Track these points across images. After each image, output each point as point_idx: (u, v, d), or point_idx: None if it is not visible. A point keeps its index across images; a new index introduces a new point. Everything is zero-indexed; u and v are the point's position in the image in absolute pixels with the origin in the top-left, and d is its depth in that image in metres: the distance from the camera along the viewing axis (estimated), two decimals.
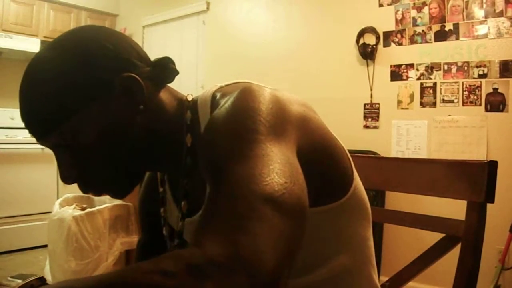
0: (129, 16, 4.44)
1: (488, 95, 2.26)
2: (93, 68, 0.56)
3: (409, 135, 2.53)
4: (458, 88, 2.36)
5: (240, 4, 3.46)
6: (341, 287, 0.64)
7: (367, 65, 2.69)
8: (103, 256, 2.28)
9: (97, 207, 2.36)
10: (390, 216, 1.02)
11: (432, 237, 0.83)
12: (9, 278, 0.53)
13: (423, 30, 2.47)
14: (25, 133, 0.61)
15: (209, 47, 3.69)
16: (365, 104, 2.71)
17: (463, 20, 2.34)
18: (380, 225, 2.47)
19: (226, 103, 0.53)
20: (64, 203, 2.53)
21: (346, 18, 2.81)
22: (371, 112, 2.69)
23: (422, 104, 2.48)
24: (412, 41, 2.52)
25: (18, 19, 3.71)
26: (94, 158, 0.58)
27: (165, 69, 0.62)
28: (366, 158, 1.00)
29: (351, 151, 0.70)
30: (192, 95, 0.67)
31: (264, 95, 0.52)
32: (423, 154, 2.48)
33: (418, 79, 2.49)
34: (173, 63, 0.63)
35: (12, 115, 3.72)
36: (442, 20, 2.41)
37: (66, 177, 0.59)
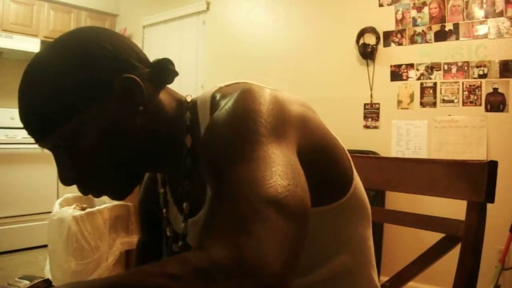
0: (129, 16, 4.44)
1: (488, 95, 2.26)
2: (92, 68, 0.56)
3: (409, 135, 2.53)
4: (458, 88, 2.36)
5: (240, 4, 3.46)
6: (341, 287, 0.64)
7: (367, 65, 2.69)
8: (103, 256, 2.28)
9: (97, 207, 2.36)
10: (390, 216, 1.02)
11: (432, 237, 0.83)
12: (16, 279, 0.54)
13: (423, 30, 2.47)
14: (25, 133, 0.61)
15: (209, 47, 3.69)
16: (365, 104, 2.71)
17: (463, 20, 2.34)
18: (380, 225, 2.47)
19: (226, 104, 0.53)
20: (64, 203, 2.53)
21: (346, 18, 2.81)
22: (371, 112, 2.69)
23: (422, 104, 2.48)
24: (412, 41, 2.52)
25: (18, 19, 3.71)
26: (94, 159, 0.58)
27: (164, 70, 0.62)
28: (366, 158, 1.00)
29: (351, 151, 0.70)
30: (191, 95, 0.67)
31: (264, 96, 0.52)
32: (423, 154, 2.48)
33: (418, 79, 2.49)
34: (173, 64, 0.63)
35: (12, 115, 3.72)
36: (442, 20, 2.41)
37: (65, 178, 0.59)
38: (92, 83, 0.56)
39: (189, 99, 0.66)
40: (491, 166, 0.77)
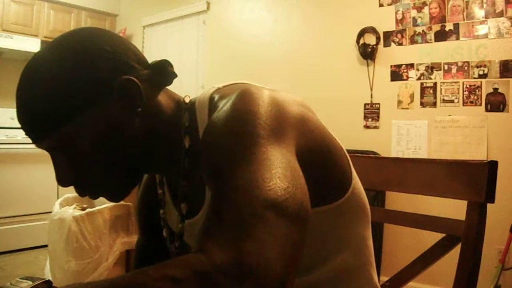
0: (129, 16, 4.44)
1: (488, 95, 2.26)
2: (91, 70, 0.55)
3: (409, 135, 2.53)
4: (458, 88, 2.35)
5: (240, 4, 3.47)
6: (341, 287, 0.64)
7: (367, 65, 2.69)
8: (103, 256, 2.28)
9: (97, 207, 2.36)
10: (390, 216, 1.02)
11: (432, 237, 0.83)
12: (18, 279, 0.54)
13: (423, 30, 2.47)
14: None
15: (210, 47, 3.69)
16: (365, 104, 2.71)
17: (463, 20, 2.34)
18: (380, 225, 2.47)
19: (224, 106, 0.53)
20: (64, 203, 2.53)
21: (346, 18, 2.81)
22: (371, 112, 2.69)
23: (422, 104, 2.48)
24: (412, 41, 2.52)
25: (18, 19, 3.71)
26: (92, 161, 0.57)
27: (163, 72, 0.62)
28: (366, 158, 1.00)
29: (351, 151, 0.70)
30: (189, 96, 0.67)
31: (262, 98, 0.52)
32: (423, 154, 2.47)
33: (418, 79, 2.49)
34: (171, 66, 0.63)
35: (12, 115, 3.72)
36: (442, 20, 2.41)
37: (62, 179, 0.58)
38: (91, 85, 0.55)
39: (187, 100, 0.66)
40: (491, 166, 0.77)
